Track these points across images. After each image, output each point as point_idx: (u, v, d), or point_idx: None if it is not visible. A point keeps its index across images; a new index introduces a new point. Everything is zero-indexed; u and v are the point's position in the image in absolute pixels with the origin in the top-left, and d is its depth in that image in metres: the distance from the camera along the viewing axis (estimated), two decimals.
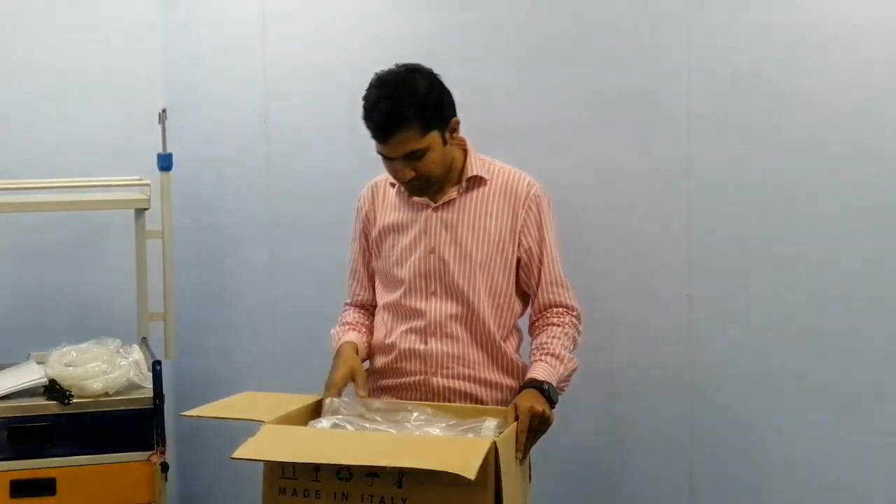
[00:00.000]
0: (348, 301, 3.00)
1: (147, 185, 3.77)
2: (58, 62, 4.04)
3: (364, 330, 2.92)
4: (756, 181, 2.84)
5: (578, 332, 2.82)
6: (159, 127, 3.74)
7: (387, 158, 2.69)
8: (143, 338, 3.78)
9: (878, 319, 2.63)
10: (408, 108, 2.61)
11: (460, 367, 2.77)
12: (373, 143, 2.66)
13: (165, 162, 3.73)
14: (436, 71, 2.72)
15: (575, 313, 2.82)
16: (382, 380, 2.86)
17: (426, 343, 2.78)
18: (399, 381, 2.81)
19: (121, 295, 3.92)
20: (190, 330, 4.04)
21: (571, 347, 2.77)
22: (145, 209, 3.74)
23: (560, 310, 2.81)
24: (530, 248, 2.80)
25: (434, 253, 2.79)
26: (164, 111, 3.74)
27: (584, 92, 3.17)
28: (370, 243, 2.92)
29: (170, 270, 3.75)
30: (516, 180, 2.81)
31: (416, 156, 2.65)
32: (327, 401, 2.59)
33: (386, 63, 2.69)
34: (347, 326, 2.92)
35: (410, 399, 2.77)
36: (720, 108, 2.90)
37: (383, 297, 2.89)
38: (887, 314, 2.61)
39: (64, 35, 4.06)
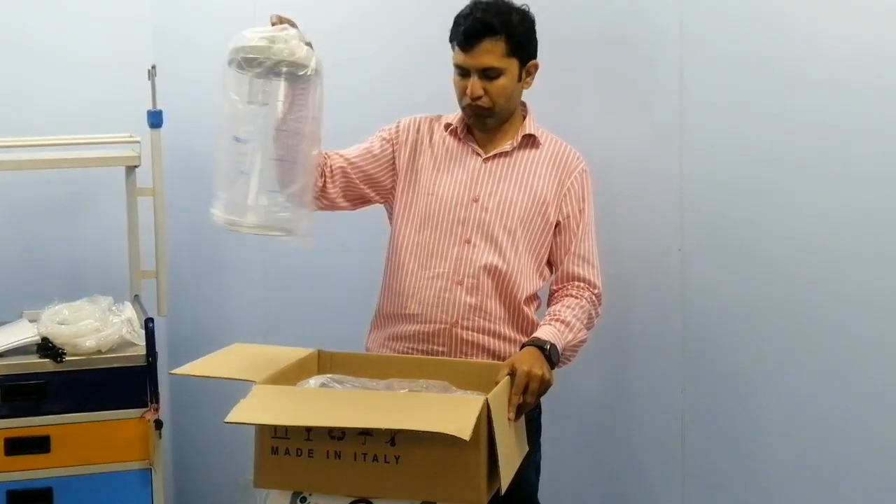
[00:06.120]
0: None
1: (137, 142, 3.74)
2: (46, 19, 4.00)
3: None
4: (749, 135, 2.83)
5: (596, 312, 2.82)
6: (149, 83, 3.71)
7: (461, 73, 2.75)
8: (136, 295, 3.78)
9: (873, 273, 2.64)
10: (500, 23, 2.70)
11: (480, 320, 2.77)
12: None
13: (155, 119, 3.70)
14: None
15: (595, 291, 2.82)
16: (397, 326, 2.84)
17: (450, 291, 2.77)
18: (418, 328, 2.79)
19: (112, 253, 3.91)
20: (182, 287, 4.04)
21: (585, 321, 2.76)
22: (136, 166, 3.72)
23: (581, 284, 2.81)
24: (569, 216, 2.82)
25: (477, 202, 2.79)
26: (153, 67, 3.71)
27: (573, 46, 3.16)
28: (394, 156, 2.90)
29: (161, 228, 3.74)
30: (567, 152, 2.86)
31: (491, 74, 2.73)
32: None
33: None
34: None
35: (427, 350, 2.78)
36: (712, 64, 2.89)
37: (406, 237, 2.85)
38: (884, 268, 2.62)
39: None
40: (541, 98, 2.93)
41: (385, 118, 3.00)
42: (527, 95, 2.88)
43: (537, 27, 2.80)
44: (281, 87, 2.49)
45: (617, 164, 3.09)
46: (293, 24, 2.57)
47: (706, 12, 2.89)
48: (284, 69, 2.46)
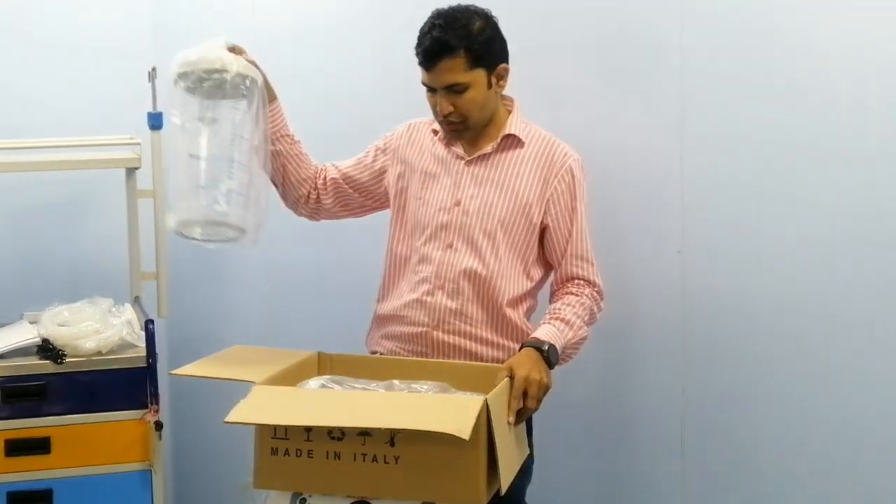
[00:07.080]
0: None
1: (138, 144, 3.75)
2: (46, 20, 4.00)
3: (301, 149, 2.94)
4: (749, 135, 2.84)
5: (598, 308, 2.82)
6: (149, 85, 3.71)
7: (429, 90, 2.74)
8: (136, 297, 3.77)
9: (874, 274, 2.64)
10: (457, 39, 2.67)
11: (460, 324, 2.77)
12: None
13: (156, 121, 3.69)
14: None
15: (596, 289, 2.82)
16: (388, 327, 2.86)
17: (432, 295, 2.78)
18: (403, 329, 2.82)
19: (113, 254, 3.90)
20: (182, 289, 4.04)
21: (586, 318, 2.76)
22: (136, 168, 3.72)
23: (581, 282, 2.81)
24: (558, 217, 2.80)
25: (459, 206, 2.79)
26: (153, 69, 3.71)
27: (573, 37, 3.16)
28: (387, 165, 2.94)
29: (161, 229, 3.72)
30: (553, 148, 2.82)
31: (457, 89, 2.70)
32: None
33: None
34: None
35: (412, 351, 2.80)
36: (713, 65, 2.89)
37: (400, 242, 2.89)
38: (885, 269, 2.62)
39: None
40: (541, 99, 2.94)
41: (387, 119, 3.01)
42: (528, 96, 2.89)
43: (538, 29, 2.80)
44: (218, 99, 2.63)
45: (617, 166, 3.08)
46: (240, 51, 2.69)
47: (707, 14, 2.89)
48: (207, 80, 2.59)
